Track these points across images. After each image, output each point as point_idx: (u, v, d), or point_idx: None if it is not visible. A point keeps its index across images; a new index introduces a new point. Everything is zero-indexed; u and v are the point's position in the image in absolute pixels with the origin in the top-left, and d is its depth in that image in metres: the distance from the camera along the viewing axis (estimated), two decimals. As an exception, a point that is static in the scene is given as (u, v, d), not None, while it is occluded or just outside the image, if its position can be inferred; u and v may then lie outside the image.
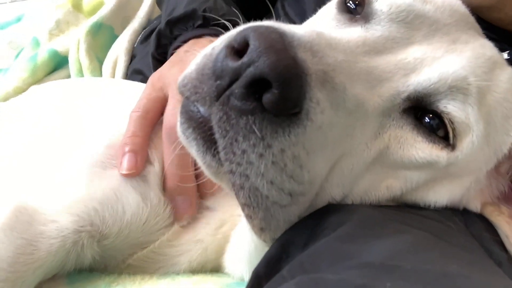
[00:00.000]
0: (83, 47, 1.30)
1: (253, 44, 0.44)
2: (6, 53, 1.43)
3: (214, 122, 0.48)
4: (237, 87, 0.45)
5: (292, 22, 1.08)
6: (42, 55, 1.33)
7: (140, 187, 0.70)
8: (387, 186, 0.59)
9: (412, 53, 0.57)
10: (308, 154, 0.49)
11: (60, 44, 1.36)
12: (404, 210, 0.59)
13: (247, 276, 0.68)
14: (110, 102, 0.88)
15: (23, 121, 0.93)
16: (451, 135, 0.57)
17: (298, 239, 0.53)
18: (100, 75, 1.32)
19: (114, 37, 1.37)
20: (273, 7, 1.18)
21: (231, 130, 0.47)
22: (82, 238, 0.65)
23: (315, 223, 0.54)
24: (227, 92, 0.46)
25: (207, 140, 0.50)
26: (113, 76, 1.29)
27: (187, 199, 0.72)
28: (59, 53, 1.35)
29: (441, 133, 0.57)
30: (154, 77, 0.82)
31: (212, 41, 0.90)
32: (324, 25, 0.65)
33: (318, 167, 0.51)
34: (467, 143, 0.58)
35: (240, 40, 0.46)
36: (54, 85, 1.10)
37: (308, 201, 0.54)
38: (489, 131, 0.60)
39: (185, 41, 0.93)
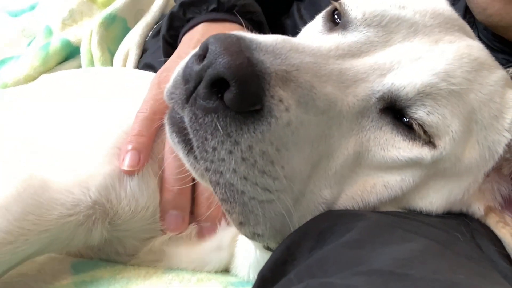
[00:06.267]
0: (95, 38, 1.30)
1: (211, 48, 0.48)
2: (19, 41, 1.43)
3: (186, 123, 0.51)
4: (201, 88, 0.49)
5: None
6: (54, 44, 1.33)
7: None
8: (383, 185, 0.59)
9: (389, 54, 0.59)
10: (279, 150, 0.51)
11: (72, 34, 1.35)
12: (411, 218, 0.59)
13: (253, 278, 0.69)
14: (130, 89, 0.88)
15: (38, 99, 0.93)
16: (423, 137, 0.58)
17: (304, 242, 0.53)
18: (111, 67, 1.31)
19: (127, 30, 1.36)
20: (289, 9, 1.18)
21: (201, 129, 0.50)
22: (96, 211, 0.66)
23: (322, 227, 0.54)
24: (194, 94, 0.50)
25: (188, 142, 0.53)
26: (124, 69, 1.29)
27: (180, 215, 0.73)
28: (71, 43, 1.34)
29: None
30: (160, 76, 0.81)
31: (225, 27, 0.91)
32: (307, 36, 0.67)
33: (295, 164, 0.53)
34: (447, 140, 0.58)
35: (203, 46, 0.50)
36: (67, 73, 1.11)
37: (290, 199, 0.54)
38: (475, 129, 0.61)
39: (197, 24, 0.94)
